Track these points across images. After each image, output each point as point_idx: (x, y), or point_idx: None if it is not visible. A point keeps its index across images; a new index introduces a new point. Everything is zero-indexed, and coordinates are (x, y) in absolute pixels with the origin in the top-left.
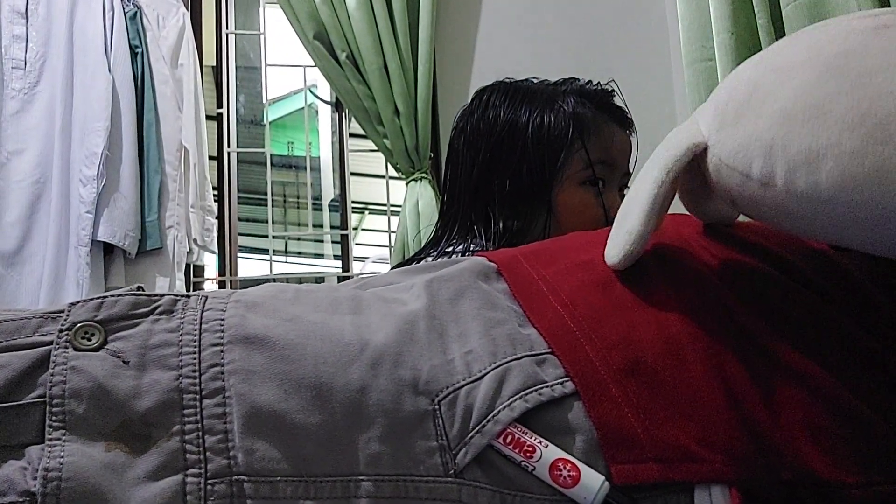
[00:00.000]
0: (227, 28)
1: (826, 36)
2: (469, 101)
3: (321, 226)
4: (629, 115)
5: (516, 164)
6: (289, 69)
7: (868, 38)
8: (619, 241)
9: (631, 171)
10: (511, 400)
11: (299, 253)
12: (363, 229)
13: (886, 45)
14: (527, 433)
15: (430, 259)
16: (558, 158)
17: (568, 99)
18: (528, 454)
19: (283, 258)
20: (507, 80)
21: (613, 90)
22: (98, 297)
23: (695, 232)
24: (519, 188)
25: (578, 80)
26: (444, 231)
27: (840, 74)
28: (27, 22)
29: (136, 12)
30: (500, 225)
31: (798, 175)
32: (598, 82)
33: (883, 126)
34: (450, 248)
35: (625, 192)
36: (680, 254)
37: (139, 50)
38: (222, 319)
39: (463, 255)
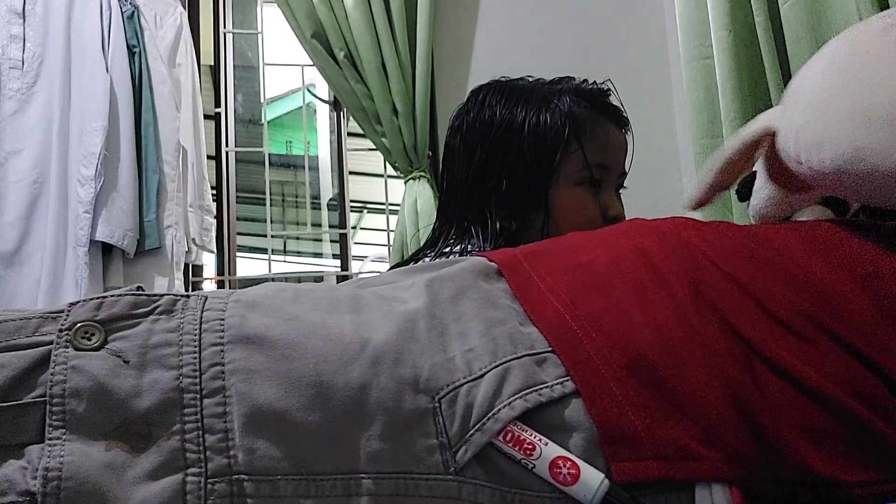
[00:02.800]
0: (224, 27)
1: (843, 38)
2: (465, 99)
3: (320, 225)
4: (625, 115)
5: (512, 164)
6: (287, 68)
7: (874, 38)
8: (693, 187)
9: (627, 170)
10: (511, 399)
11: (298, 252)
12: (362, 228)
13: (887, 44)
14: (526, 431)
15: (427, 259)
16: (554, 158)
17: (564, 98)
18: (528, 452)
19: (281, 257)
20: (503, 79)
21: (609, 89)
22: (98, 297)
23: (695, 235)
24: (515, 188)
25: (574, 78)
26: (441, 231)
27: (845, 73)
28: (24, 22)
29: (133, 12)
30: (497, 225)
31: (811, 156)
32: (594, 81)
33: (868, 116)
34: (447, 249)
35: (620, 192)
36: (680, 257)
37: (137, 50)
38: (222, 319)
39: (461, 255)
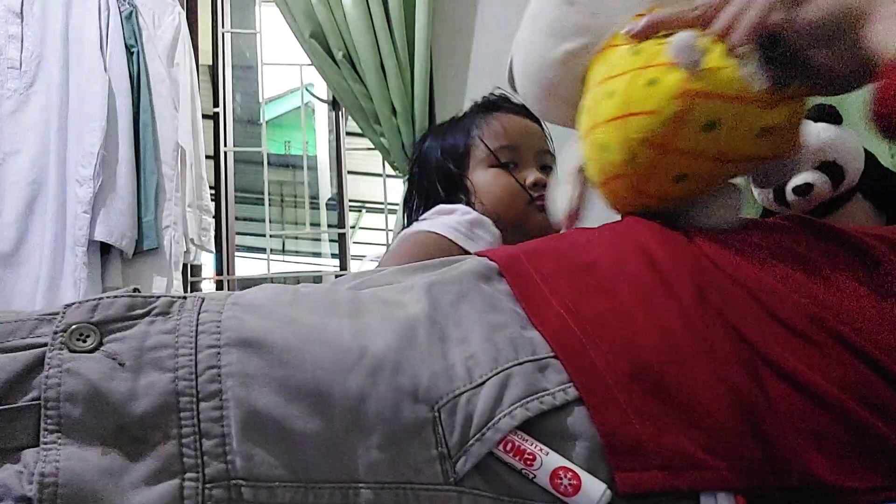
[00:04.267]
0: (223, 27)
1: None
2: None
3: (318, 224)
4: (519, 103)
5: (436, 168)
6: (285, 68)
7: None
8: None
9: (552, 150)
10: (512, 408)
11: (297, 252)
12: (360, 228)
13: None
14: (527, 440)
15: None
16: (460, 153)
17: (467, 116)
18: (528, 462)
19: (280, 257)
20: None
21: (504, 93)
22: (93, 299)
23: (699, 237)
24: (441, 183)
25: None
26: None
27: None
28: (22, 21)
29: (131, 12)
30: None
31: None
32: (492, 93)
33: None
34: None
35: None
36: (683, 257)
37: (135, 49)
38: (219, 321)
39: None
